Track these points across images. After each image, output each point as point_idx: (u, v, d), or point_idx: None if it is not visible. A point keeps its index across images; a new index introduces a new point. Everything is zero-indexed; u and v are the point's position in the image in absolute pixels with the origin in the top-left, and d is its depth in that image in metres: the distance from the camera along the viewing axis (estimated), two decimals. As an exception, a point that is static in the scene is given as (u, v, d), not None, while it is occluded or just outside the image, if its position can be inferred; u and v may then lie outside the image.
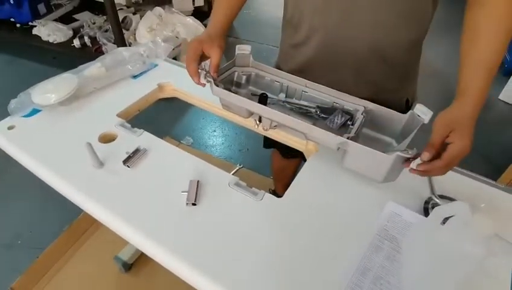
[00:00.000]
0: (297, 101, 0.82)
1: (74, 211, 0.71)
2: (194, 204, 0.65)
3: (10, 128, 0.82)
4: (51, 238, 1.37)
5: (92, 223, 1.42)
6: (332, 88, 0.78)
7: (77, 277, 1.30)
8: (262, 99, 0.78)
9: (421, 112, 0.67)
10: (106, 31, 2.36)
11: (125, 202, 0.67)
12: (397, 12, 0.70)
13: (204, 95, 0.89)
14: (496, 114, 2.26)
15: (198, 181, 0.68)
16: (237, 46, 0.82)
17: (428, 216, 0.56)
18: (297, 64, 0.87)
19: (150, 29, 2.19)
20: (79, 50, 2.34)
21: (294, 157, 1.20)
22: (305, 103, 0.82)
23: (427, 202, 0.67)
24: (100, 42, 2.28)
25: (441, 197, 0.67)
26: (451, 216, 0.51)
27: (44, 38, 2.41)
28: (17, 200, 1.64)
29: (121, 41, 2.06)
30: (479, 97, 0.61)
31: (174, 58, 2.14)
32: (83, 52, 2.31)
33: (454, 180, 0.73)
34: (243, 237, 0.62)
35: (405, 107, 0.85)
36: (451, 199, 0.67)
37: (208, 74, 0.74)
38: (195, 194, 0.66)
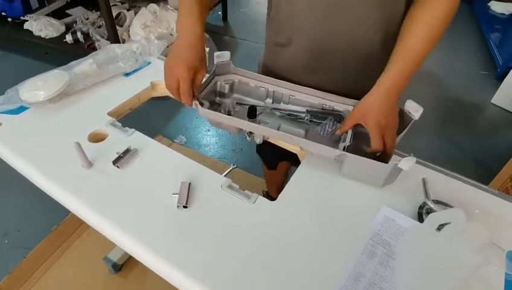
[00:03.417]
0: (285, 107, 0.81)
1: (63, 210, 0.69)
2: (185, 207, 0.64)
3: (-3, 125, 0.79)
4: (39, 238, 1.35)
5: (82, 223, 1.40)
6: (319, 89, 0.78)
7: (66, 277, 1.28)
8: (252, 112, 0.77)
9: (412, 108, 0.68)
10: (99, 27, 2.32)
11: (114, 204, 0.65)
12: (378, 10, 0.70)
13: (197, 95, 0.87)
14: (488, 118, 2.28)
15: (189, 183, 0.67)
16: (215, 54, 0.80)
17: (424, 222, 0.56)
18: (282, 63, 0.86)
19: (144, 26, 2.17)
20: (71, 46, 2.30)
21: (284, 160, 1.21)
22: (294, 108, 0.80)
23: (421, 207, 0.67)
24: (93, 38, 2.25)
25: (435, 202, 0.67)
26: (447, 223, 0.50)
27: (36, 33, 2.37)
28: (5, 198, 1.60)
29: (114, 38, 2.03)
30: (391, 85, 0.65)
31: (169, 56, 2.11)
32: (76, 48, 2.28)
33: (448, 185, 0.72)
34: (235, 242, 0.60)
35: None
36: (445, 204, 0.67)
37: (194, 98, 0.72)
38: (187, 197, 0.64)
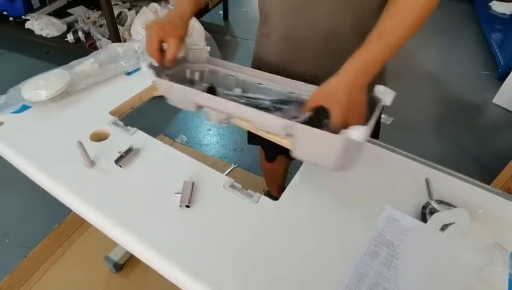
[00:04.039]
0: (252, 95, 0.80)
1: (64, 209, 0.69)
2: (187, 206, 0.64)
3: (-1, 124, 0.79)
4: (40, 237, 1.35)
5: (83, 222, 1.40)
6: (305, 81, 0.77)
7: (66, 277, 1.28)
8: (210, 91, 0.74)
9: (381, 93, 0.64)
10: (101, 26, 2.32)
11: (116, 203, 0.65)
12: (349, 4, 0.71)
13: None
14: (489, 118, 2.27)
15: (193, 183, 0.67)
16: (187, 41, 0.78)
17: (427, 222, 0.55)
18: (267, 54, 0.88)
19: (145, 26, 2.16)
20: (73, 45, 2.30)
21: (281, 154, 1.19)
22: (263, 97, 0.79)
23: (424, 207, 0.66)
24: (94, 37, 2.24)
25: (439, 202, 0.67)
26: (450, 223, 0.50)
27: (38, 32, 2.37)
28: (6, 197, 1.60)
29: (115, 37, 2.03)
30: (360, 68, 0.61)
31: (170, 56, 2.11)
32: (77, 47, 2.27)
33: (451, 185, 0.72)
34: (238, 241, 0.60)
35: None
36: (448, 205, 0.67)
37: (150, 65, 0.71)
38: (190, 196, 0.64)
